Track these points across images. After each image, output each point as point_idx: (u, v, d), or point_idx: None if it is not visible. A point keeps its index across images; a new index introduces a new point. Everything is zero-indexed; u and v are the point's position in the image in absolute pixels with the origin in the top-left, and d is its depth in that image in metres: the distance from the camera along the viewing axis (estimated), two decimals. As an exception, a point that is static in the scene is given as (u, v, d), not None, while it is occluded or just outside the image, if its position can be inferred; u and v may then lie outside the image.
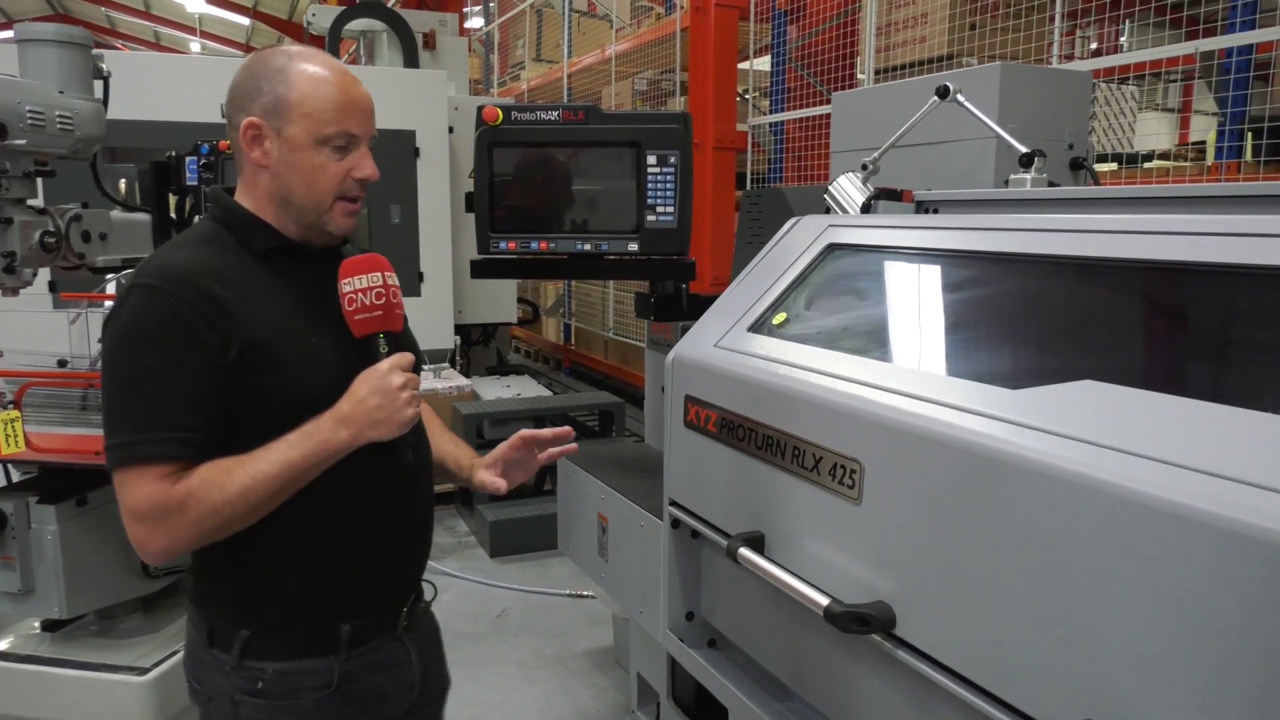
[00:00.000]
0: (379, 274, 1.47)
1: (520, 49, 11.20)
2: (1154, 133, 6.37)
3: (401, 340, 1.53)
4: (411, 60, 7.37)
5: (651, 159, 2.52)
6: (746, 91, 7.08)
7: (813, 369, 1.88)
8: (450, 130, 6.27)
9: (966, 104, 2.44)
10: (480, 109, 2.60)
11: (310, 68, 1.45)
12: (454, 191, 6.23)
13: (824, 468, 1.76)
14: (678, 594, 2.44)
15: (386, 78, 6.39)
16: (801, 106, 5.96)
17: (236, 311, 1.40)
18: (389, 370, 1.43)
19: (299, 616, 1.48)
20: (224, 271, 1.44)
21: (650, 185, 2.52)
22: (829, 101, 5.64)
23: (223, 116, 1.50)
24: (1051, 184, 2.24)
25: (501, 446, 1.74)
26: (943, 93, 2.41)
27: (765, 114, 6.41)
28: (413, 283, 6.15)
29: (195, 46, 25.80)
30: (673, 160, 2.51)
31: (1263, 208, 1.65)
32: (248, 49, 19.91)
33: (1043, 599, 1.32)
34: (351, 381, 1.44)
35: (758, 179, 6.30)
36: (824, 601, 1.63)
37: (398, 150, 5.98)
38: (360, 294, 1.45)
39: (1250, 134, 3.48)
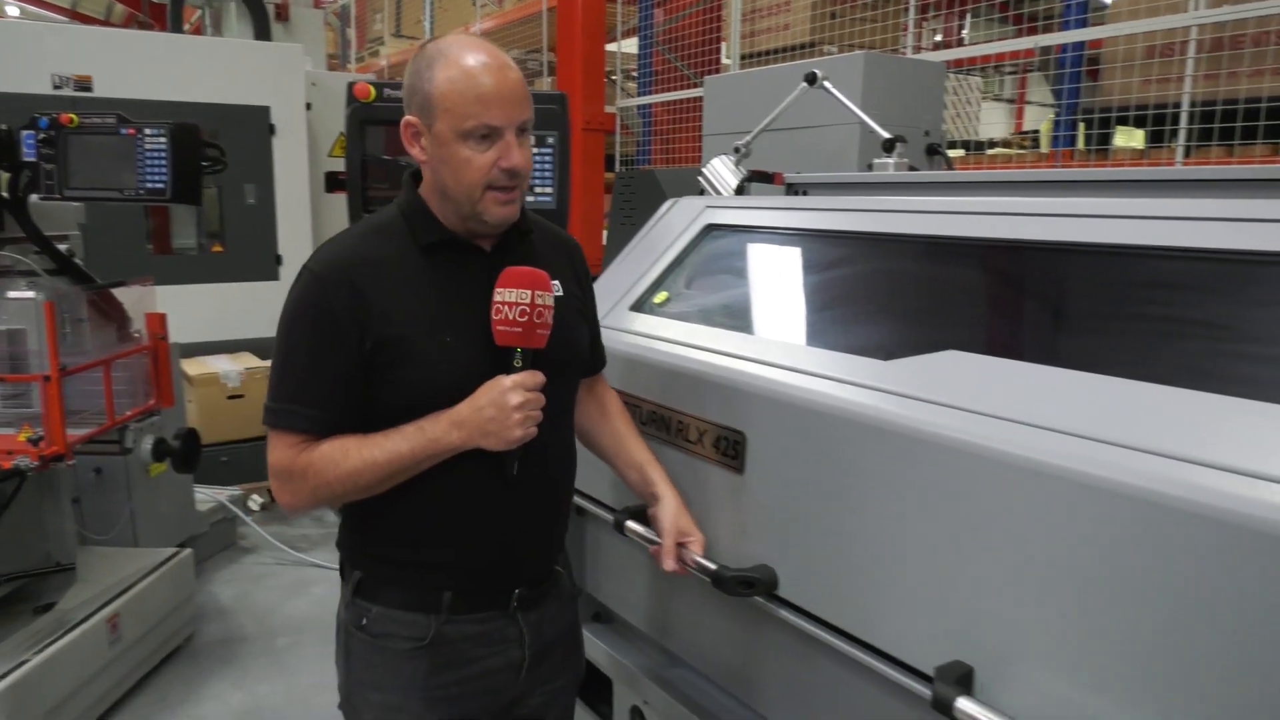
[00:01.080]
0: (529, 291, 1.48)
1: (379, 24, 10.85)
2: (994, 121, 6.75)
3: (545, 358, 1.53)
4: (263, 33, 7.02)
5: (530, 139, 2.51)
6: (614, 73, 7.11)
7: (695, 345, 1.93)
8: (308, 107, 6.02)
9: (833, 90, 2.54)
10: (351, 85, 2.52)
11: (453, 61, 1.46)
12: (313, 171, 6.00)
13: (708, 440, 1.82)
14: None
15: (237, 50, 6.07)
16: (669, 90, 6.04)
17: (379, 307, 1.48)
18: (511, 387, 1.46)
19: (403, 577, 1.59)
20: (383, 264, 1.52)
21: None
22: (695, 85, 5.74)
23: None
24: (911, 168, 2.37)
25: (696, 535, 1.73)
26: (810, 79, 2.51)
27: (633, 96, 6.45)
28: (269, 267, 5.90)
29: (13, 10, 23.71)
30: (550, 141, 2.51)
31: (1095, 191, 1.81)
32: (73, 14, 18.43)
33: (913, 552, 1.42)
34: (482, 383, 1.48)
35: (626, 161, 6.35)
36: (712, 567, 1.69)
37: (251, 127, 5.70)
38: (507, 307, 1.47)
39: (1082, 124, 3.77)
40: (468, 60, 1.46)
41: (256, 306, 5.68)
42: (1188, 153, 3.32)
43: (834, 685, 1.64)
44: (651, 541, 1.81)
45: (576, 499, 2.30)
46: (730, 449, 1.77)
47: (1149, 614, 1.12)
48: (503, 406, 1.45)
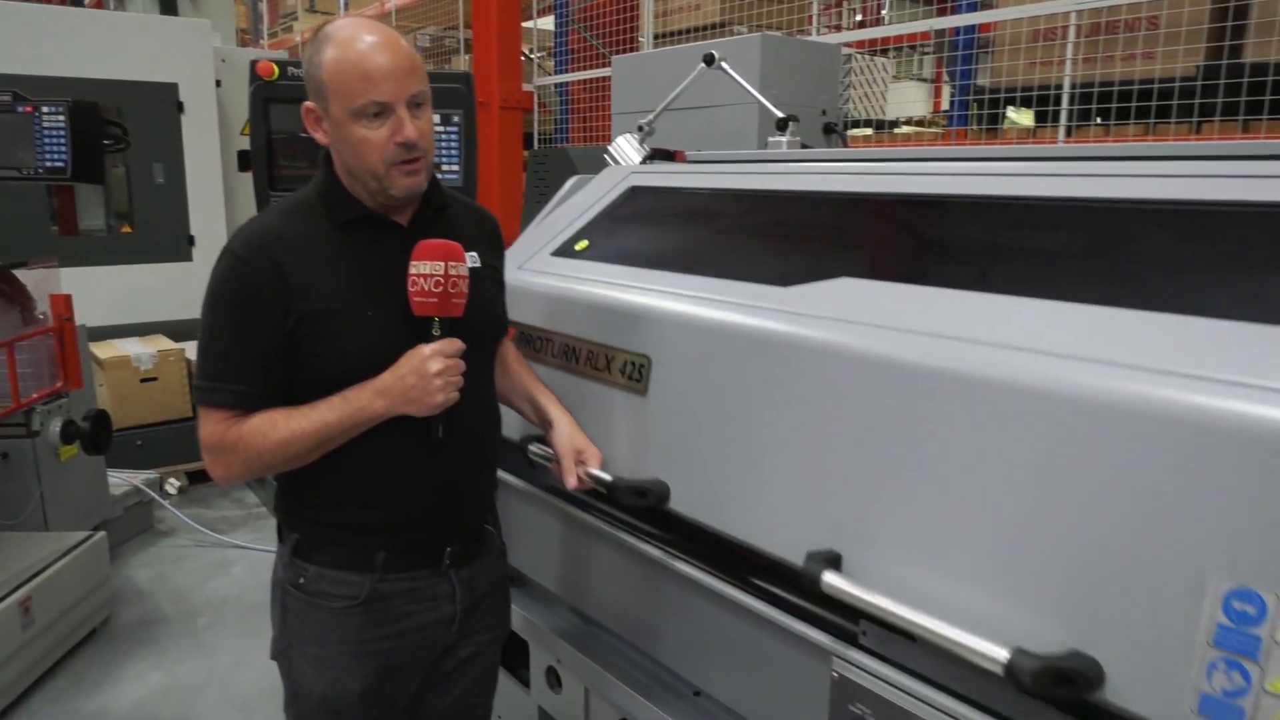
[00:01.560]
0: (443, 263, 1.54)
1: (292, -2, 10.59)
2: (912, 100, 6.90)
3: (462, 326, 1.59)
4: (169, 7, 6.84)
5: (435, 117, 2.56)
6: (531, 51, 7.11)
7: (608, 281, 2.05)
8: (218, 84, 5.91)
9: (730, 71, 2.64)
10: (254, 63, 2.53)
11: (338, 42, 1.50)
12: (225, 149, 5.90)
13: (615, 366, 1.93)
14: (477, 539, 2.54)
15: (141, 25, 5.92)
16: (585, 68, 6.08)
17: (301, 284, 1.53)
18: (430, 355, 1.53)
19: (338, 538, 1.66)
20: (303, 242, 1.57)
21: (435, 143, 2.57)
22: (611, 64, 5.79)
23: None
24: (804, 146, 2.49)
25: (591, 451, 1.81)
26: (708, 60, 2.60)
27: (550, 74, 6.47)
28: (182, 247, 5.80)
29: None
30: (456, 119, 2.56)
31: (961, 166, 1.96)
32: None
33: (793, 456, 1.55)
34: (403, 353, 1.54)
35: (545, 139, 6.37)
36: (607, 478, 1.79)
37: (159, 104, 5.58)
38: (422, 279, 1.54)
39: (974, 104, 3.95)
40: (352, 41, 1.51)
41: (169, 288, 5.58)
42: (1069, 132, 3.53)
43: (729, 633, 1.77)
44: (552, 461, 1.89)
45: (488, 463, 2.39)
46: (635, 372, 1.88)
47: (1001, 500, 1.26)
48: (424, 374, 1.52)
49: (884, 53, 5.50)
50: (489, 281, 1.76)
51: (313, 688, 1.68)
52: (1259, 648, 0.97)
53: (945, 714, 1.33)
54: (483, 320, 1.71)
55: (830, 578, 1.40)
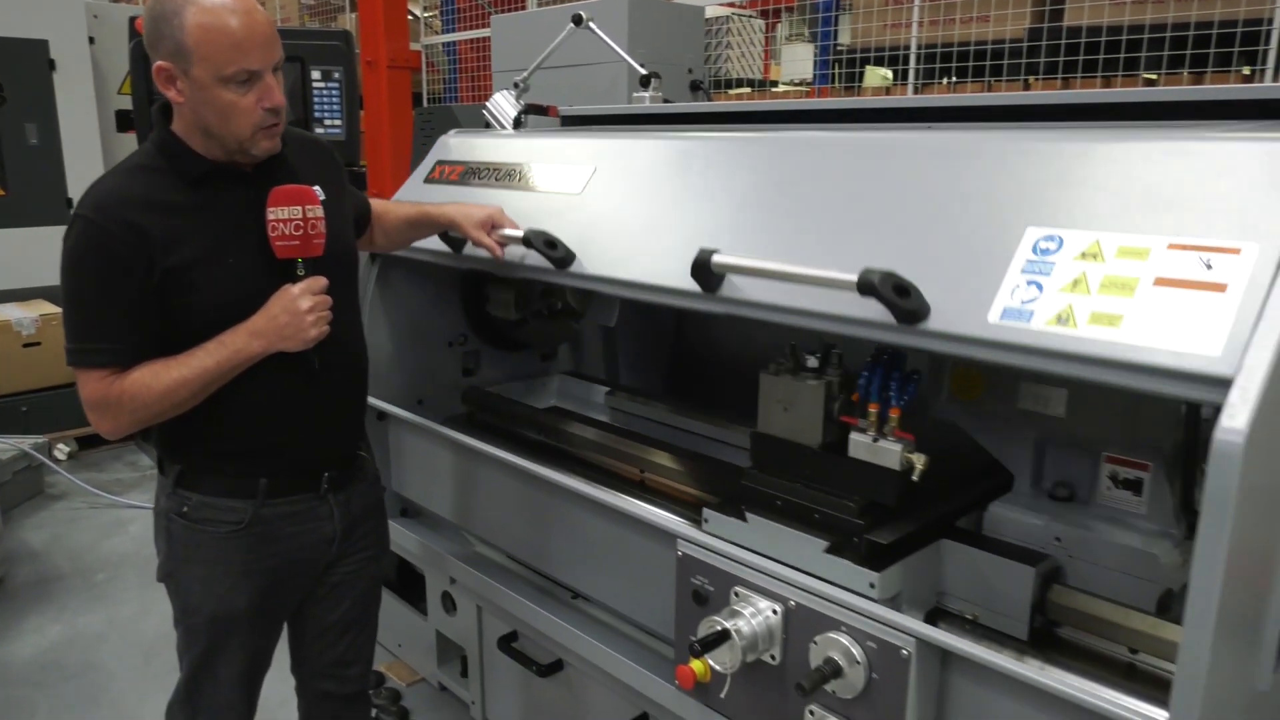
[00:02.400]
0: (299, 207, 1.64)
1: (166, -48, 10.16)
2: (801, 59, 7.08)
3: (323, 262, 1.70)
4: (34, -40, 6.55)
5: (316, 74, 2.66)
6: (418, 10, 7.10)
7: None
8: (91, 41, 5.74)
9: (598, 31, 2.82)
10: (133, 19, 2.58)
11: (201, 6, 1.53)
12: (102, 109, 5.75)
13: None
14: (371, 473, 2.71)
15: (6, -21, 5.69)
16: (473, 28, 6.14)
17: (160, 239, 1.58)
18: (299, 294, 1.64)
19: (221, 468, 1.76)
20: (153, 199, 1.61)
21: (316, 99, 2.68)
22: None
23: None
24: (667, 101, 2.70)
25: (494, 212, 2.06)
26: (576, 20, 2.78)
27: (438, 33, 6.50)
28: (59, 211, 5.65)
29: None
30: (337, 75, 2.67)
31: (820, 119, 2.20)
32: None
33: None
34: (269, 296, 1.64)
35: (435, 99, 6.41)
36: (519, 234, 2.00)
37: (28, 62, 5.39)
38: (282, 224, 1.63)
39: (836, 63, 4.23)
40: (216, 7, 1.56)
41: (49, 252, 5.38)
42: (917, 89, 3.83)
43: (597, 536, 2.00)
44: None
45: (376, 403, 2.55)
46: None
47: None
48: (295, 312, 1.65)
49: (765, 15, 5.72)
50: (336, 213, 1.84)
51: (201, 604, 1.81)
52: (1053, 268, 1.27)
53: (766, 574, 1.59)
54: (340, 252, 1.82)
55: (718, 258, 1.59)
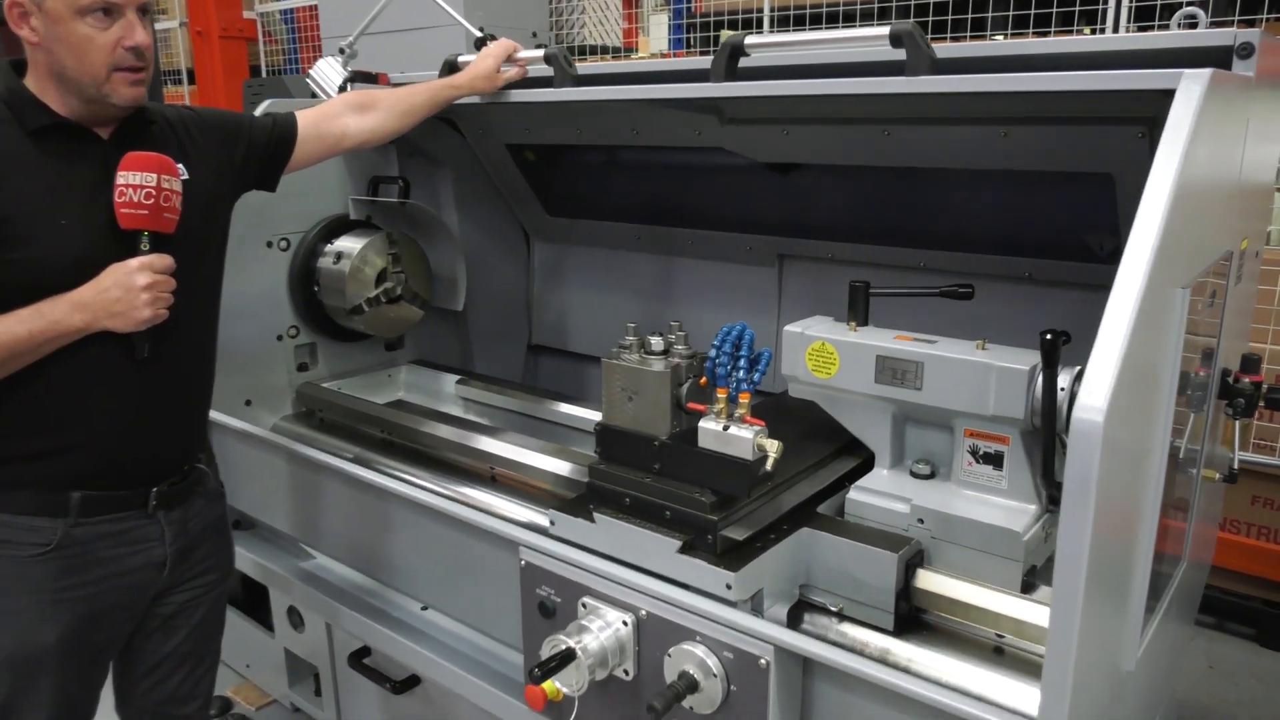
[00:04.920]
0: (155, 175, 1.48)
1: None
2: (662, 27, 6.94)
3: (174, 242, 1.53)
4: None
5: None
6: (252, -24, 6.61)
7: None
8: None
9: (429, -9, 2.60)
10: None
11: None
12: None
13: None
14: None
15: None
16: (311, -7, 5.74)
17: None
18: (138, 268, 1.46)
19: (26, 478, 1.54)
20: None
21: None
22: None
23: None
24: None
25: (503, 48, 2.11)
26: (404, -21, 2.54)
27: (272, 0, 6.07)
28: None
29: None
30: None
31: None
32: None
33: None
34: (105, 268, 1.46)
35: (274, 70, 6.00)
36: (539, 53, 2.04)
37: None
38: (131, 189, 1.46)
39: (689, 28, 4.12)
40: None
41: None
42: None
43: (441, 546, 1.82)
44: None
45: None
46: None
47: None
48: (129, 287, 1.45)
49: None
50: (206, 194, 1.67)
51: None
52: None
53: (618, 583, 1.45)
54: (198, 235, 1.63)
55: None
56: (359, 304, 2.48)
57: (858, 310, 1.73)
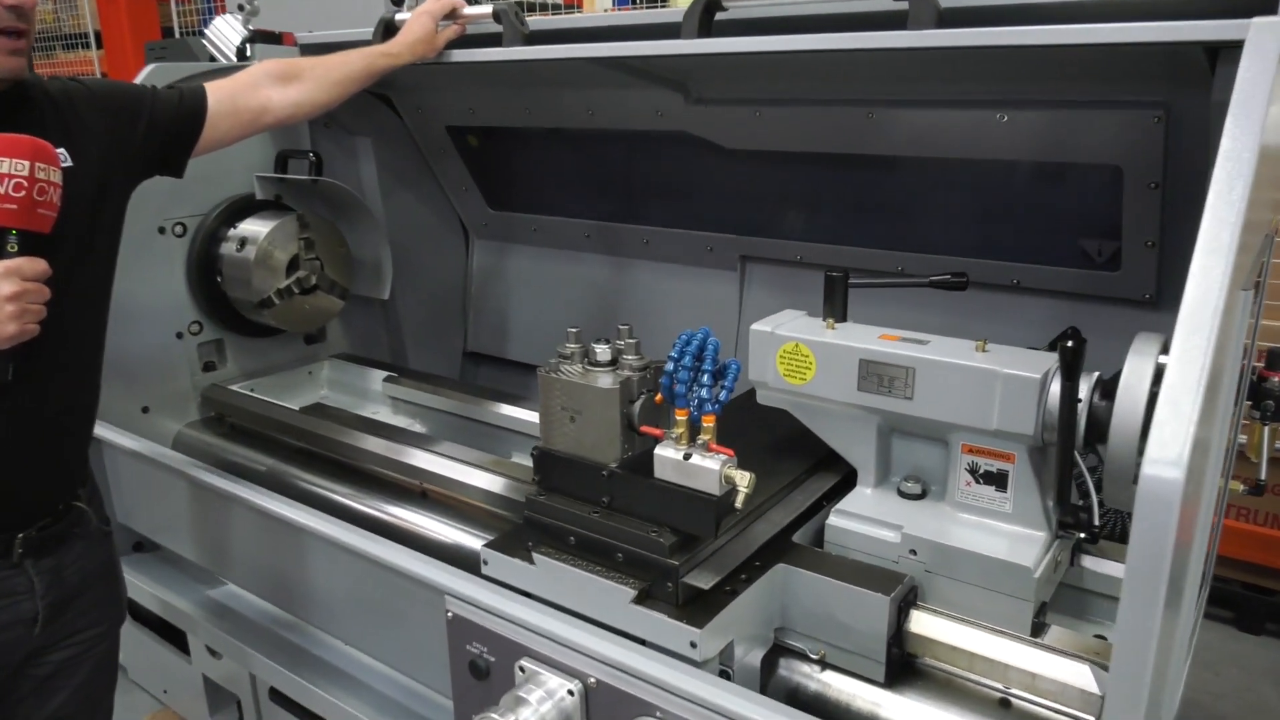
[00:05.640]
0: (27, 162, 1.23)
1: None
2: None
3: (49, 243, 1.28)
4: None
5: None
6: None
7: None
8: None
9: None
10: None
11: None
12: None
13: None
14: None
15: None
16: (226, -52, 5.32)
17: None
18: (2, 275, 1.21)
19: None
20: None
21: None
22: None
23: None
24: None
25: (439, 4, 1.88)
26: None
27: (185, -44, 5.65)
28: None
29: None
30: None
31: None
32: None
33: None
34: None
35: (191, 31, 5.58)
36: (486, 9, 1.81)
37: None
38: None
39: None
40: None
41: None
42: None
43: (364, 589, 1.58)
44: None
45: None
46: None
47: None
48: None
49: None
50: (93, 189, 1.41)
51: None
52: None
53: (561, 644, 1.22)
54: (79, 236, 1.37)
55: None
56: (268, 296, 2.19)
57: (835, 304, 1.50)
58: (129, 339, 2.16)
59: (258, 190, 2.31)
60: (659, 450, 1.22)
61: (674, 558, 1.21)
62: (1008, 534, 1.32)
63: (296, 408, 2.17)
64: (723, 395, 1.19)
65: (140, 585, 2.16)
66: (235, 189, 2.30)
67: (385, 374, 2.44)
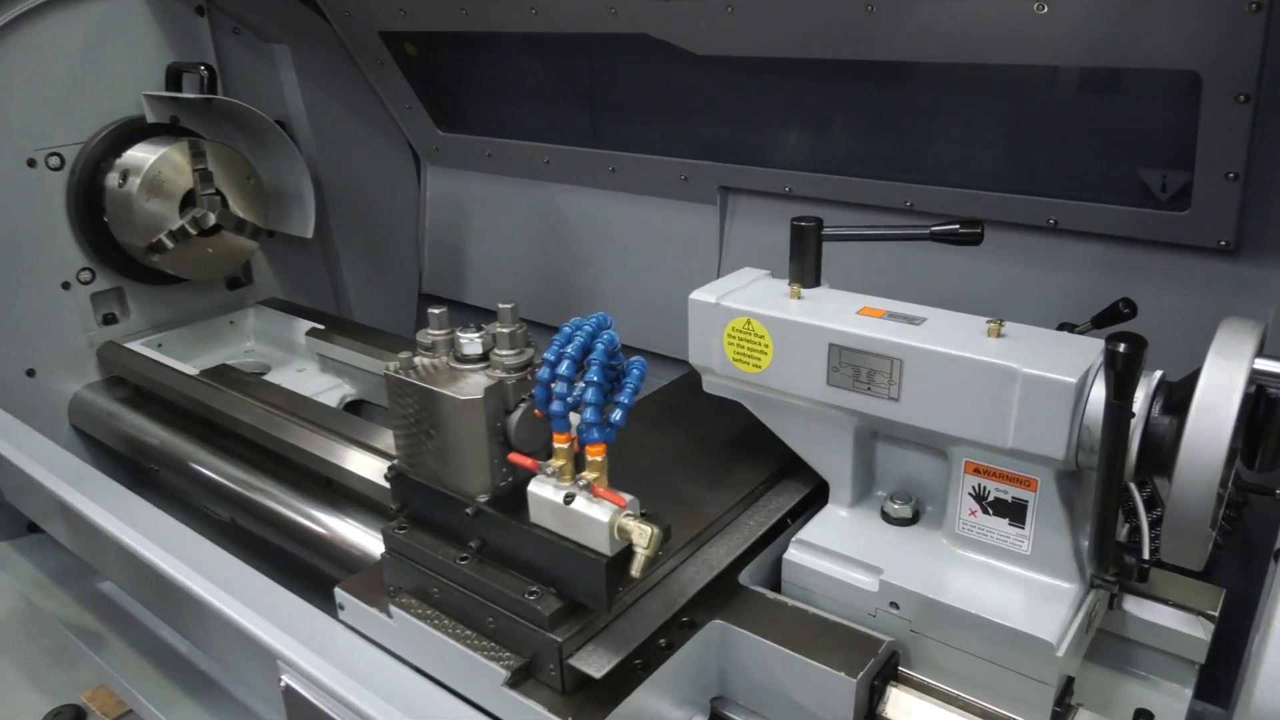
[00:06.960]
0: None
1: None
2: None
3: None
4: None
5: None
6: None
7: None
8: None
9: None
10: None
11: None
12: None
13: None
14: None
15: None
16: None
17: None
18: None
19: None
20: None
21: None
22: None
23: None
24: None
25: None
26: None
27: None
28: None
29: None
30: None
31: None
32: None
33: None
34: None
35: None
36: None
37: None
38: None
39: None
40: None
41: None
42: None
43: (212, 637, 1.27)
44: None
45: None
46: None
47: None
48: None
49: None
50: None
51: None
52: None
53: (412, 735, 0.91)
54: None
55: None
56: (158, 239, 1.85)
57: (805, 263, 1.13)
58: (5, 291, 1.85)
59: (148, 112, 1.95)
60: (533, 487, 0.88)
61: (557, 631, 0.89)
62: (1024, 584, 0.97)
63: (197, 370, 1.85)
64: (617, 415, 0.84)
65: (25, 570, 1.92)
66: (123, 110, 1.94)
67: (310, 324, 2.10)
